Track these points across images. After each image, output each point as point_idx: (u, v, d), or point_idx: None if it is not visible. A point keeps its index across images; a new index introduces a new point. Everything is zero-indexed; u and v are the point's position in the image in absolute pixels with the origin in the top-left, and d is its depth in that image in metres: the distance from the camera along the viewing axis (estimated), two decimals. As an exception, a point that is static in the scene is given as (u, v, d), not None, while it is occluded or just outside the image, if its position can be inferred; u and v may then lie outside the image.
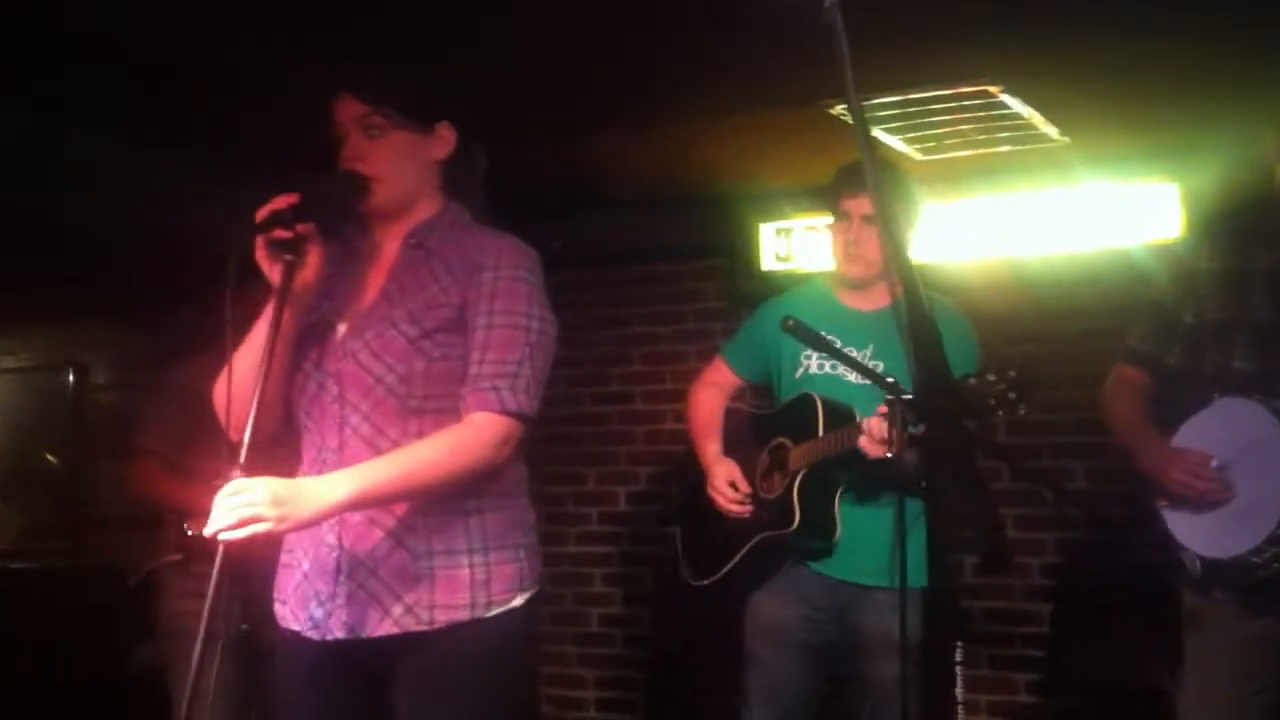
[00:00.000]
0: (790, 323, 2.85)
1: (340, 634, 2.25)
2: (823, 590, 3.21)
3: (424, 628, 2.23)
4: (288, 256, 2.18)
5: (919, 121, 4.31)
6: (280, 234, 2.18)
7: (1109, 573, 4.29)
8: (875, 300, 3.30)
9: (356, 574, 2.25)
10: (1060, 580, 4.60)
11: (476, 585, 2.26)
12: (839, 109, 4.08)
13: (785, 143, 4.52)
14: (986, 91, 3.99)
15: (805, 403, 3.23)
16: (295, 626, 2.32)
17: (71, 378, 6.53)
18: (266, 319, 2.22)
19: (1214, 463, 2.70)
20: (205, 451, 3.53)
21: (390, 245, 2.40)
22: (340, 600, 2.25)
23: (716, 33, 3.45)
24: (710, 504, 3.34)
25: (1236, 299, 2.77)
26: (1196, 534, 2.73)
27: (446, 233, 2.37)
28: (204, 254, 3.43)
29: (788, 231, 5.15)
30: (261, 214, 2.18)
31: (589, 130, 4.37)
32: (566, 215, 5.09)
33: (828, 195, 3.41)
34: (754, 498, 3.31)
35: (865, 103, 4.08)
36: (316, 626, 2.27)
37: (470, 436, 2.21)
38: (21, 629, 5.66)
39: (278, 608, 2.37)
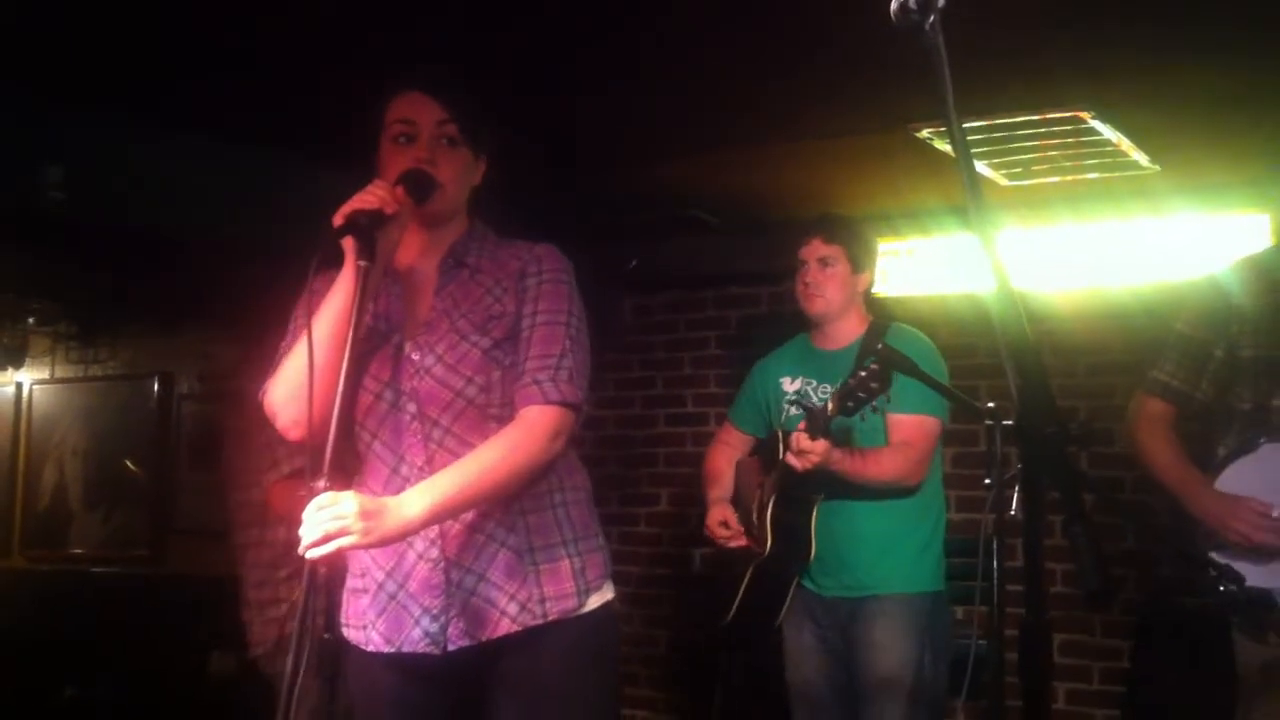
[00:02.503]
0: (880, 348, 3.05)
1: (464, 642, 2.30)
2: (822, 609, 3.47)
3: (539, 622, 2.31)
4: (363, 262, 2.16)
5: (1006, 147, 4.27)
6: (361, 227, 2.17)
7: (1193, 609, 4.20)
8: (841, 340, 3.60)
9: (466, 582, 2.31)
10: (1139, 616, 4.52)
11: (576, 574, 2.36)
12: (925, 133, 4.05)
13: (867, 166, 4.50)
14: (1077, 117, 3.94)
15: (774, 438, 3.52)
16: (385, 649, 2.34)
17: (157, 387, 6.64)
18: (336, 319, 2.21)
19: (1276, 513, 2.65)
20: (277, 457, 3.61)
21: (428, 265, 2.43)
22: (455, 610, 2.30)
23: (803, 56, 3.45)
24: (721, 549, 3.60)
25: (1277, 337, 2.70)
26: (1257, 574, 2.70)
27: (480, 249, 2.45)
28: (286, 262, 3.49)
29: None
30: (341, 214, 2.19)
31: (673, 153, 4.38)
32: (648, 237, 5.10)
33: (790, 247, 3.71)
34: (747, 533, 3.55)
35: (956, 127, 4.03)
36: (434, 642, 2.30)
37: (524, 433, 2.28)
38: (103, 633, 5.77)
39: (352, 633, 2.38)
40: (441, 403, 2.32)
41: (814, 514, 3.41)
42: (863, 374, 3.01)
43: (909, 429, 3.37)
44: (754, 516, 3.54)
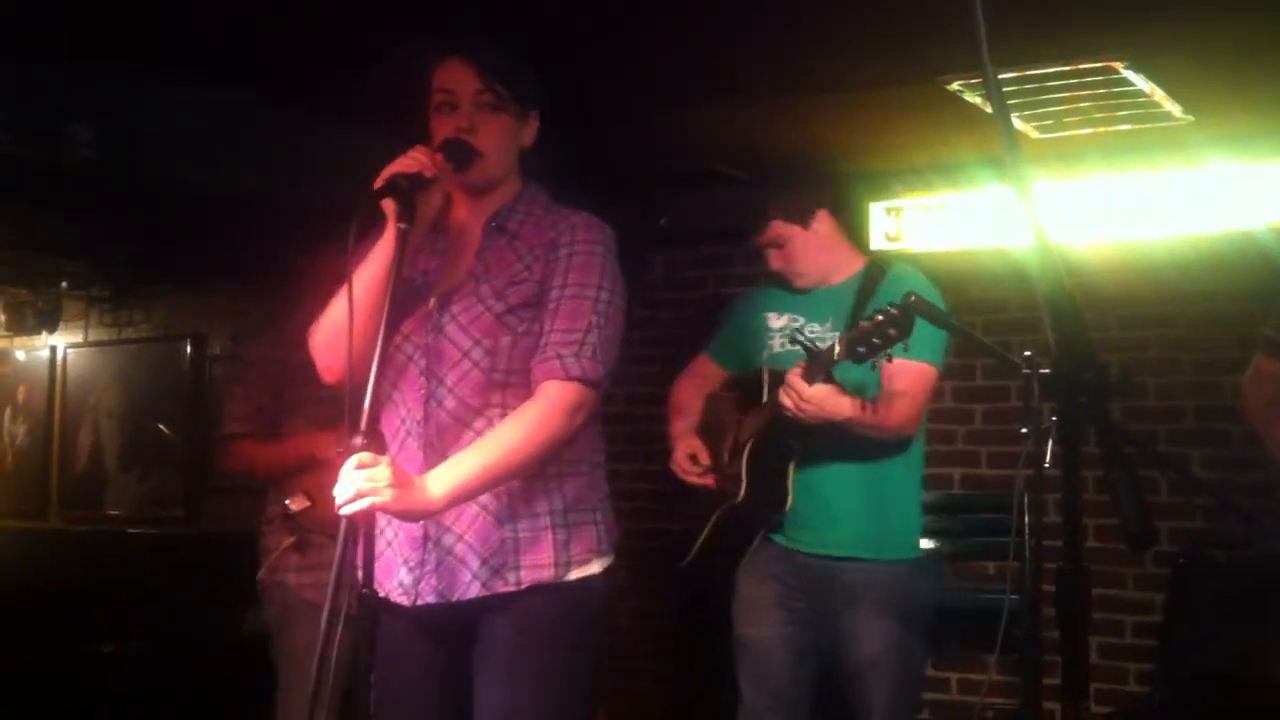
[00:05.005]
0: (913, 298, 2.80)
1: (431, 599, 2.33)
2: (793, 567, 3.25)
3: (510, 589, 2.31)
4: (402, 225, 2.21)
5: (1037, 99, 4.22)
6: (401, 190, 2.21)
7: (1226, 563, 4.20)
8: (832, 277, 3.40)
9: (444, 540, 2.33)
10: (1174, 569, 4.50)
11: (558, 546, 2.34)
12: (956, 85, 4.01)
13: (897, 120, 4.46)
14: (1109, 67, 3.89)
15: (756, 376, 3.33)
16: (384, 591, 2.38)
17: (190, 349, 6.68)
18: (374, 279, 2.26)
19: None
20: (293, 416, 3.63)
21: (475, 225, 2.46)
22: (430, 566, 2.33)
23: (832, 7, 3.42)
24: (683, 484, 3.41)
25: None
26: None
27: (525, 214, 2.45)
28: (318, 224, 3.50)
29: (898, 211, 5.09)
30: (383, 177, 2.23)
31: (701, 106, 4.36)
32: (675, 191, 5.08)
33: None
34: (717, 472, 3.37)
35: (992, 78, 3.99)
36: (406, 592, 2.35)
37: (543, 409, 2.27)
38: (139, 591, 5.84)
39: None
40: (449, 361, 2.35)
41: (794, 462, 3.21)
42: (880, 318, 2.81)
43: (911, 377, 3.12)
44: (726, 457, 3.36)
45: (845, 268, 3.39)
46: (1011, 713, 4.39)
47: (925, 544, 3.45)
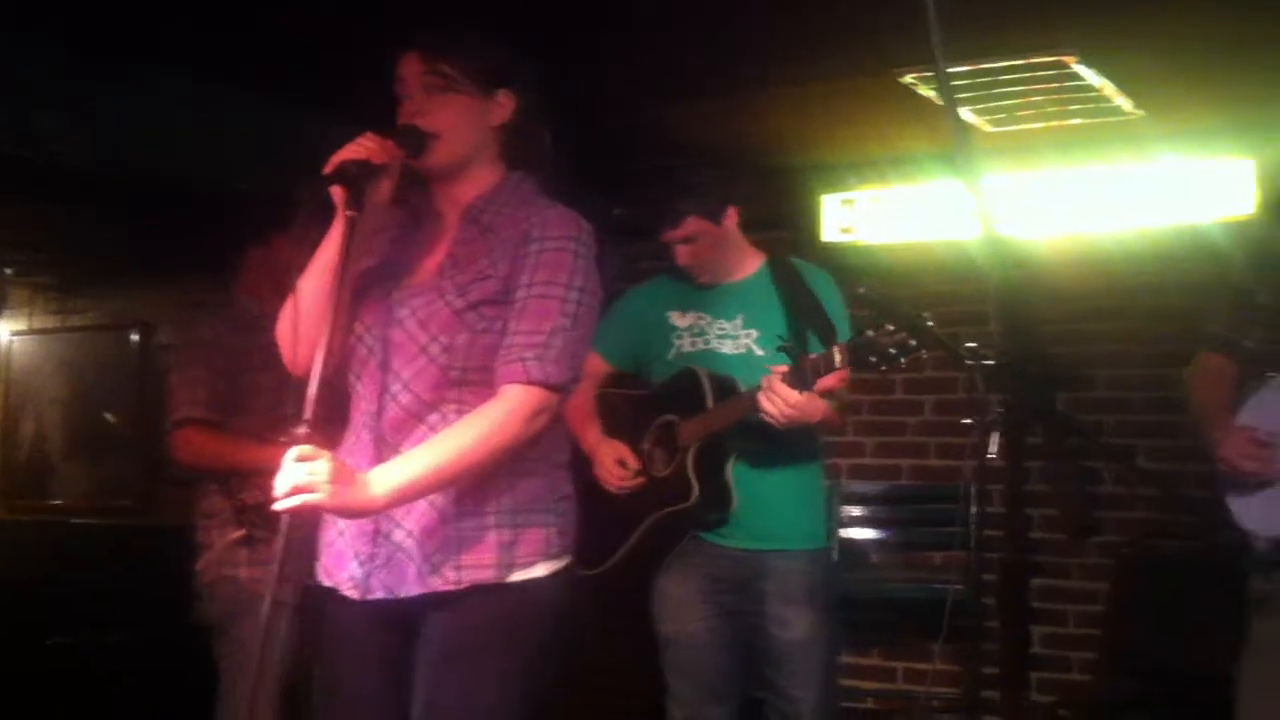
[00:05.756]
0: (863, 290, 2.85)
1: (380, 594, 2.27)
2: (725, 562, 3.27)
3: (450, 588, 2.24)
4: (351, 212, 2.18)
5: (991, 92, 4.25)
6: (351, 177, 2.18)
7: (1172, 554, 4.25)
8: (734, 274, 3.38)
9: (394, 535, 2.27)
10: (1120, 560, 4.56)
11: (501, 547, 2.26)
12: (909, 78, 4.03)
13: (852, 112, 4.47)
14: (1061, 62, 3.93)
15: (689, 378, 3.28)
16: (329, 583, 2.34)
17: (137, 338, 6.60)
18: (324, 267, 2.24)
19: (1263, 438, 2.66)
20: (249, 406, 3.57)
21: (452, 216, 2.40)
22: (380, 560, 2.27)
23: (784, 1, 3.42)
24: (595, 490, 3.33)
25: None
26: (1253, 512, 2.72)
27: (503, 206, 2.36)
28: (265, 211, 3.45)
29: (851, 203, 5.11)
30: (331, 164, 2.19)
31: (658, 97, 4.35)
32: (632, 184, 5.05)
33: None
34: (649, 476, 3.33)
35: (942, 71, 4.01)
36: (357, 586, 2.30)
37: (501, 412, 2.21)
38: (87, 582, 5.76)
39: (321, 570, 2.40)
40: (406, 355, 2.29)
41: (732, 463, 3.24)
42: (894, 330, 2.82)
43: (843, 375, 3.14)
44: (659, 461, 3.33)
45: (747, 264, 3.40)
46: (957, 701, 4.42)
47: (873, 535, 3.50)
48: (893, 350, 2.82)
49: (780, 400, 3.00)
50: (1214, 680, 2.79)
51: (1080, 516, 1.22)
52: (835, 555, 4.12)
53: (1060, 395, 4.55)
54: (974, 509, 2.79)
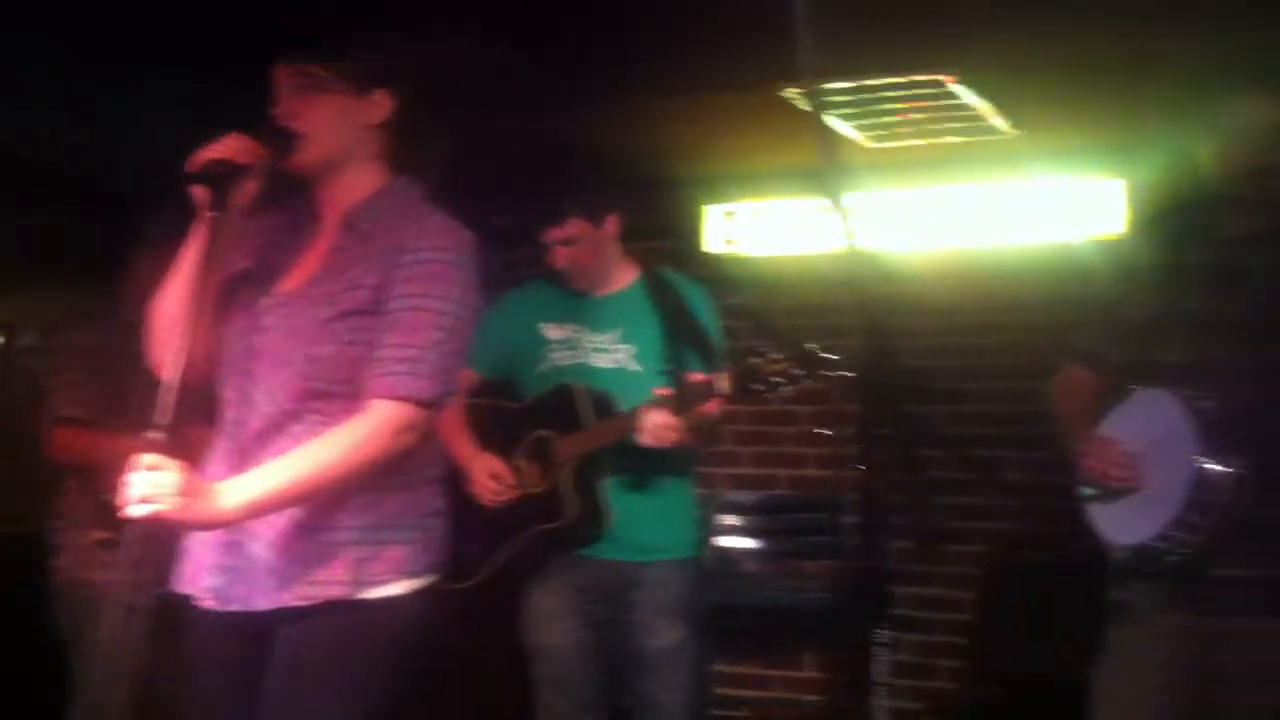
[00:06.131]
0: (814, 347, 2.87)
1: (236, 606, 2.22)
2: (595, 573, 3.27)
3: (302, 603, 2.18)
4: (213, 213, 2.13)
5: (871, 109, 4.30)
6: (214, 177, 2.13)
7: (1036, 563, 4.34)
8: (610, 285, 3.38)
9: (250, 547, 2.21)
10: (986, 569, 4.66)
11: (355, 564, 2.20)
12: (791, 92, 4.05)
13: (736, 124, 4.49)
14: (939, 81, 3.99)
15: (565, 393, 3.27)
16: (187, 591, 2.29)
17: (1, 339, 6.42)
18: (186, 270, 2.21)
19: (1123, 451, 2.72)
20: (130, 409, 3.48)
21: (331, 221, 2.34)
22: (235, 572, 2.22)
23: (669, 12, 3.42)
24: (470, 503, 3.30)
25: (1170, 292, 2.79)
26: (1111, 522, 2.77)
27: (382, 213, 2.30)
28: (133, 210, 3.36)
29: (733, 215, 5.14)
30: (194, 163, 2.14)
31: (541, 108, 4.32)
32: (514, 191, 5.01)
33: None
34: (522, 491, 3.32)
35: (819, 87, 4.06)
36: (215, 596, 2.24)
37: (366, 428, 2.15)
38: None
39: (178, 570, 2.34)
40: (270, 364, 2.24)
41: (607, 480, 3.23)
42: (782, 360, 2.86)
43: (720, 404, 3.14)
44: (535, 477, 3.31)
45: (623, 275, 3.39)
46: (827, 709, 4.47)
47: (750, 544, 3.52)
48: (776, 379, 2.86)
49: (660, 426, 3.03)
50: (1075, 687, 2.84)
51: (926, 526, 1.24)
52: (711, 564, 4.13)
53: (937, 408, 4.65)
54: (848, 519, 2.81)
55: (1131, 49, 3.67)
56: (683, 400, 3.02)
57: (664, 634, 3.22)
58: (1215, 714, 2.64)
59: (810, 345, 2.83)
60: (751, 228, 5.12)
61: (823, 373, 2.63)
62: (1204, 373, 2.67)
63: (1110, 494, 2.76)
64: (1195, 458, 2.59)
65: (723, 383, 2.97)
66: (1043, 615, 4.14)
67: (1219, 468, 2.58)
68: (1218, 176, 2.76)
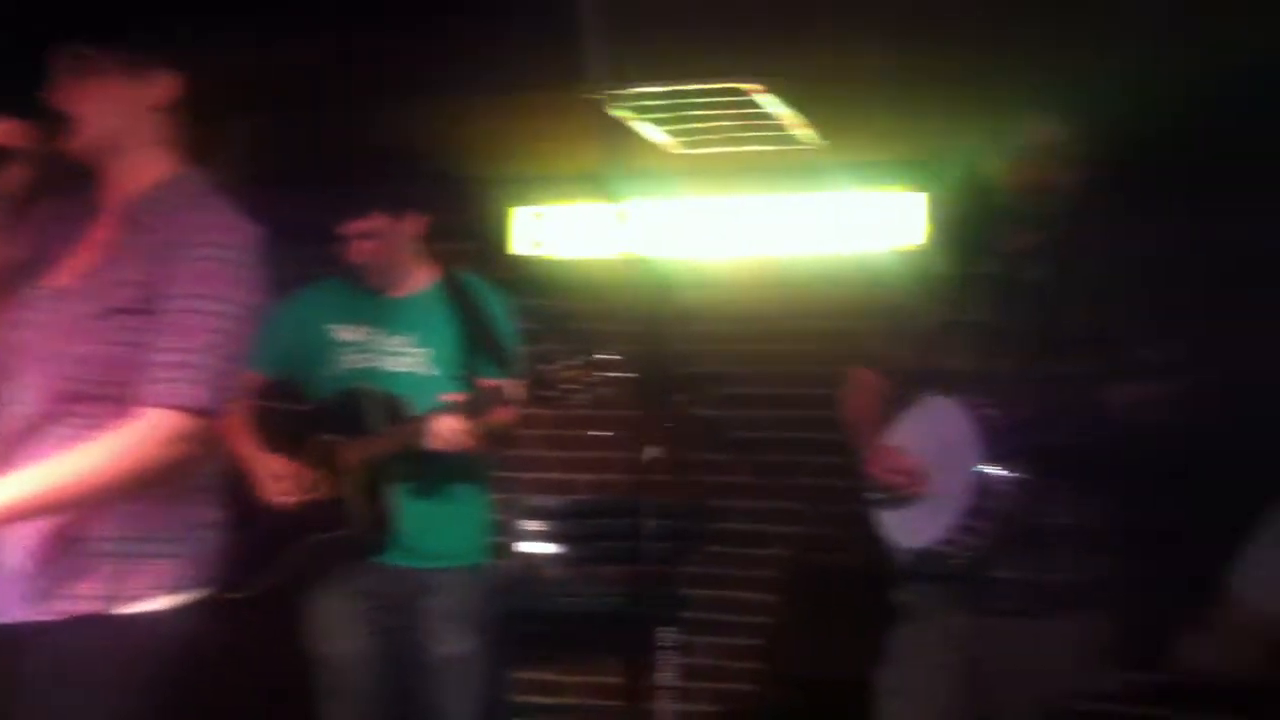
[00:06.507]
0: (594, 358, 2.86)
1: None
2: (383, 580, 3.20)
3: (54, 617, 2.06)
4: None
5: (681, 114, 4.32)
6: None
7: (831, 567, 4.42)
8: (407, 286, 3.32)
9: (2, 555, 2.09)
10: (781, 572, 4.72)
11: (110, 577, 2.08)
12: (597, 96, 4.04)
13: (543, 126, 4.46)
14: (746, 90, 4.03)
15: (354, 397, 3.20)
16: None
17: None
18: None
19: (909, 457, 2.78)
20: None
21: (112, 212, 2.22)
22: None
23: (477, 10, 3.37)
24: (251, 509, 3.22)
25: (960, 303, 2.86)
26: (897, 526, 2.84)
27: (163, 205, 2.18)
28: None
29: (541, 216, 5.11)
30: None
31: (340, 101, 4.21)
32: (316, 186, 4.90)
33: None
34: (308, 496, 3.23)
35: (628, 91, 4.07)
36: None
37: (133, 437, 2.03)
38: None
39: None
40: (31, 363, 2.11)
41: (394, 487, 3.15)
42: (577, 369, 2.86)
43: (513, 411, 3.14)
44: (318, 482, 3.22)
45: (421, 276, 3.32)
46: (627, 714, 4.47)
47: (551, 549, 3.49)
48: (569, 386, 2.85)
49: (451, 432, 2.98)
50: (865, 688, 2.89)
51: (703, 527, 1.23)
52: (513, 570, 4.09)
53: (739, 413, 4.70)
54: (647, 522, 2.80)
55: (932, 66, 3.76)
56: (474, 406, 2.98)
57: (454, 641, 3.18)
58: (992, 711, 2.73)
59: (602, 353, 2.83)
60: (559, 230, 5.10)
61: (615, 378, 2.62)
62: (988, 382, 2.76)
63: (896, 499, 2.81)
64: (978, 465, 2.67)
65: (515, 389, 2.93)
66: (836, 617, 4.21)
67: (1000, 474, 2.66)
68: (1005, 192, 2.85)
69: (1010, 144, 2.83)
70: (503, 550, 4.33)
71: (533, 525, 4.61)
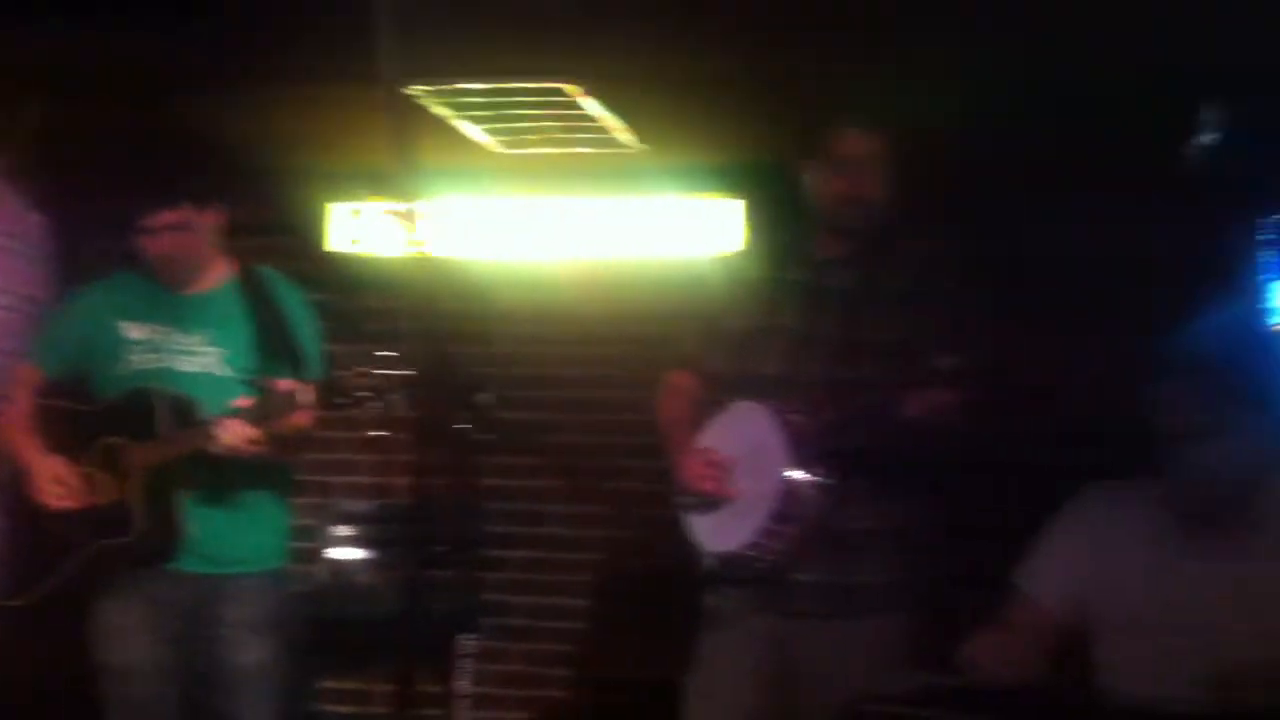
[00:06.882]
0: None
1: None
2: (175, 587, 3.09)
3: None
4: None
5: (502, 113, 4.27)
6: None
7: (640, 571, 4.44)
8: (200, 283, 3.20)
9: None
10: (594, 577, 4.73)
11: None
12: (415, 91, 3.98)
13: (361, 121, 4.36)
14: (566, 90, 4.01)
15: (142, 398, 3.07)
16: None
17: None
18: None
19: (717, 461, 2.80)
20: None
21: None
22: None
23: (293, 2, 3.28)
24: (32, 513, 3.10)
25: (770, 308, 2.89)
26: (706, 531, 2.84)
27: None
28: None
29: (359, 213, 5.02)
30: None
31: (141, 90, 4.05)
32: (118, 177, 4.71)
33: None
34: (86, 500, 3.10)
35: (448, 87, 4.00)
36: None
37: None
38: None
39: None
40: None
41: (183, 493, 3.03)
42: (367, 374, 2.75)
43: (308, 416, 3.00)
44: (102, 487, 3.07)
45: (218, 273, 3.20)
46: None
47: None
48: (363, 393, 2.75)
49: (239, 437, 2.86)
50: (675, 691, 2.89)
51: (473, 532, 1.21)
52: (323, 577, 3.99)
53: (556, 416, 4.68)
54: (456, 528, 2.76)
55: (751, 73, 3.80)
56: (263, 411, 2.85)
57: (249, 649, 3.07)
58: (798, 713, 2.76)
59: (399, 353, 2.69)
60: (378, 227, 5.01)
61: (413, 380, 2.55)
62: (795, 387, 2.79)
63: (705, 503, 2.82)
64: (784, 469, 2.69)
65: (307, 395, 2.82)
66: (647, 622, 4.23)
67: (805, 478, 2.69)
68: (818, 200, 2.89)
69: (824, 153, 2.87)
70: (308, 556, 4.23)
71: (340, 530, 4.52)
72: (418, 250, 1.50)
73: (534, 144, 4.56)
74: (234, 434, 2.87)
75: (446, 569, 3.12)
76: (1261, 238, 4.23)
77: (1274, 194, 4.20)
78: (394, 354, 2.70)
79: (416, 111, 4.16)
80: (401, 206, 1.76)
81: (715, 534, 2.81)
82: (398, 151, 4.08)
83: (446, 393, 1.40)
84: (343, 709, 4.78)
